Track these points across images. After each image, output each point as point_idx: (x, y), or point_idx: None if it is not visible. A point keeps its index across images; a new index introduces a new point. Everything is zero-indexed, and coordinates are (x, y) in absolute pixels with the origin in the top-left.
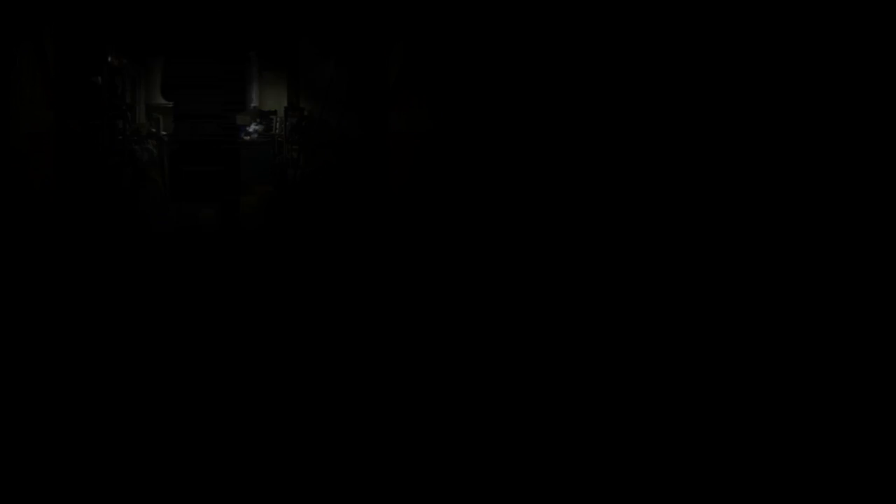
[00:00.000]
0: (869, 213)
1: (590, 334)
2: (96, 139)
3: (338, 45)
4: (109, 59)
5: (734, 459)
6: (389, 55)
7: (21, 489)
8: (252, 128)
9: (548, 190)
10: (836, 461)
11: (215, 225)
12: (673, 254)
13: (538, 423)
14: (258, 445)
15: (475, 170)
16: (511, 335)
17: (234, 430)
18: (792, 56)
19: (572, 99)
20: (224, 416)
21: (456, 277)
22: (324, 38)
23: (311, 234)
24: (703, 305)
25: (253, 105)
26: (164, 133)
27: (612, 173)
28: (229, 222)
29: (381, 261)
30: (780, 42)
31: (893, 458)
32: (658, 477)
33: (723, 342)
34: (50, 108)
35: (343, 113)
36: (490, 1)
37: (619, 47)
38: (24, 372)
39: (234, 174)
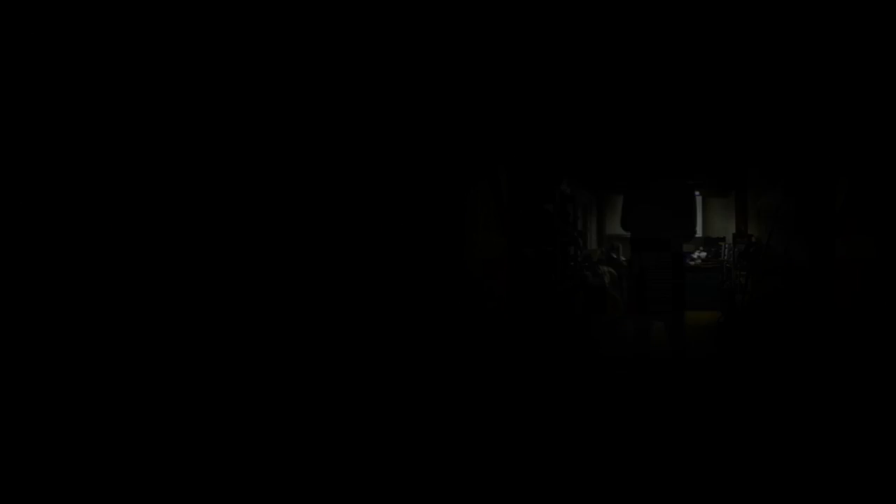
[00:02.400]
0: None
1: None
2: (548, 264)
3: (785, 173)
4: (561, 187)
5: None
6: (835, 184)
7: None
8: (696, 254)
9: None
10: None
11: (664, 338)
12: None
13: None
14: None
15: None
16: None
17: None
18: None
19: None
20: None
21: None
22: (771, 165)
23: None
24: None
25: (697, 235)
26: (623, 259)
27: None
28: (676, 334)
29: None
30: None
31: None
32: None
33: None
34: (503, 235)
35: (790, 240)
36: None
37: None
38: None
39: (680, 295)
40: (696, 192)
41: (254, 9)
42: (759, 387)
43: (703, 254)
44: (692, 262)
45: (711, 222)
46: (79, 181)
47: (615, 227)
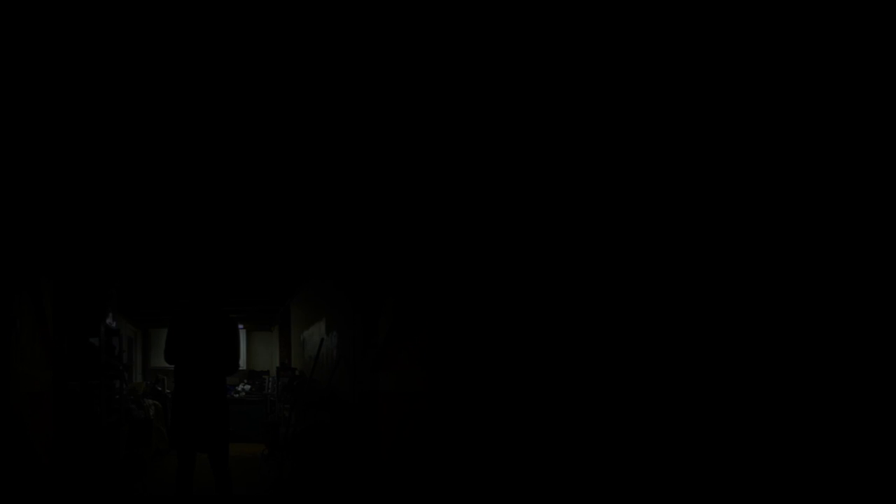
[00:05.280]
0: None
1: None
2: (94, 398)
3: (329, 307)
4: (107, 321)
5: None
6: (380, 313)
7: None
8: (240, 387)
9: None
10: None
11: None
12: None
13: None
14: None
15: (467, 431)
16: None
17: None
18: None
19: None
20: None
21: None
22: (313, 300)
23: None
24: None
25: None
26: (168, 391)
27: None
28: (220, 468)
29: None
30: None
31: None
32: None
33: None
34: (49, 369)
35: (333, 372)
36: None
37: None
38: None
39: (224, 427)
40: (241, 325)
41: None
42: None
43: (248, 386)
44: (236, 395)
45: (256, 355)
46: None
47: (160, 361)
